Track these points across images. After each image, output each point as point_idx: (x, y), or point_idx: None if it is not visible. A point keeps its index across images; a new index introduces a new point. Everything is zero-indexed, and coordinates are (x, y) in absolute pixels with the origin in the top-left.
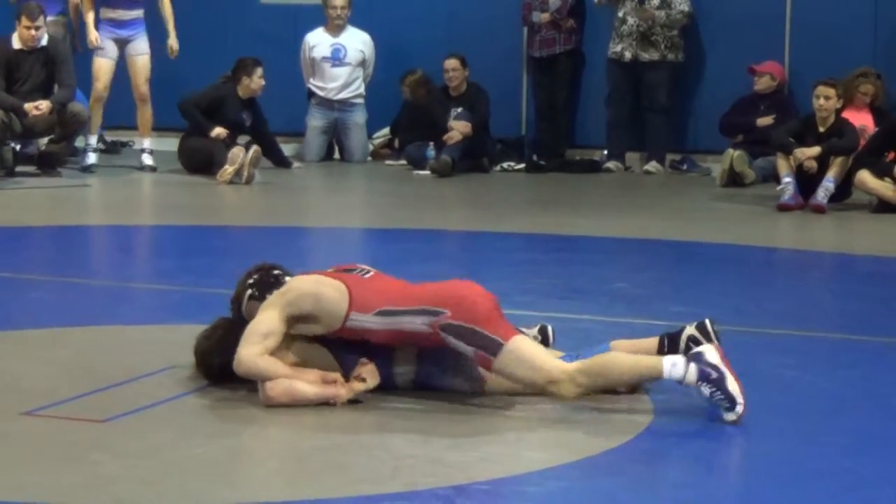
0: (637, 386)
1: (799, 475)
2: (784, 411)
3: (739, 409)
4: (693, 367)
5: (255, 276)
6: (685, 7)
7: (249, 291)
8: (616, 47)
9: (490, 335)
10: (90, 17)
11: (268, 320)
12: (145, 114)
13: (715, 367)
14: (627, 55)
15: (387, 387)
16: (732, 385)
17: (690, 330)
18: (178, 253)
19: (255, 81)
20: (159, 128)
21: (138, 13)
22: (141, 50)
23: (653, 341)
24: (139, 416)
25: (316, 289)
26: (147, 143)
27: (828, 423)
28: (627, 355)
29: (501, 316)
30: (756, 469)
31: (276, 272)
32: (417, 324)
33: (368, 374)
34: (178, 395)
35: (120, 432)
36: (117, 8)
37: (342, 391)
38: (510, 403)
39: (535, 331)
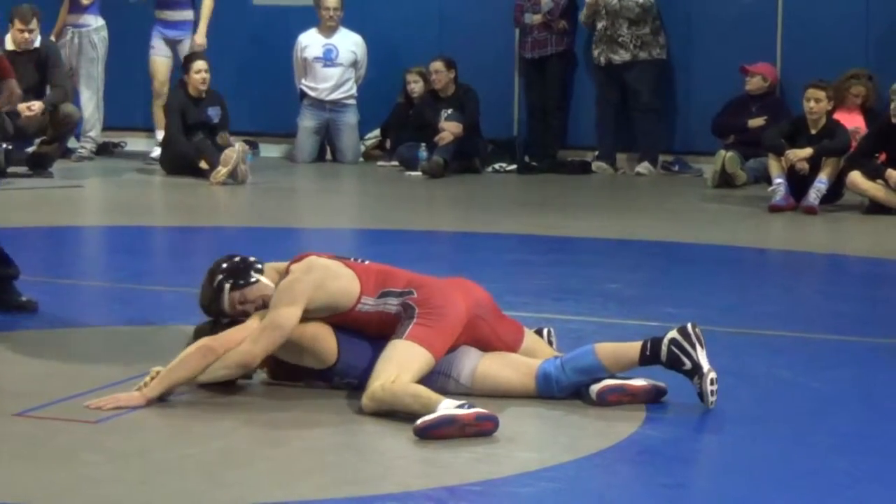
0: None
1: (790, 475)
2: (775, 411)
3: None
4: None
5: (224, 268)
6: None
7: (228, 284)
8: (595, 51)
9: (410, 324)
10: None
11: (299, 291)
12: None
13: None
14: (602, 59)
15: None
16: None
17: (672, 333)
18: (170, 254)
19: (192, 77)
20: (153, 128)
21: (187, 15)
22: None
23: (635, 346)
24: (131, 417)
25: (337, 269)
26: None
27: (819, 423)
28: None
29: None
30: (747, 469)
31: (236, 258)
32: (392, 305)
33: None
34: (169, 396)
35: (111, 433)
36: (165, 9)
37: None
38: (501, 405)
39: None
